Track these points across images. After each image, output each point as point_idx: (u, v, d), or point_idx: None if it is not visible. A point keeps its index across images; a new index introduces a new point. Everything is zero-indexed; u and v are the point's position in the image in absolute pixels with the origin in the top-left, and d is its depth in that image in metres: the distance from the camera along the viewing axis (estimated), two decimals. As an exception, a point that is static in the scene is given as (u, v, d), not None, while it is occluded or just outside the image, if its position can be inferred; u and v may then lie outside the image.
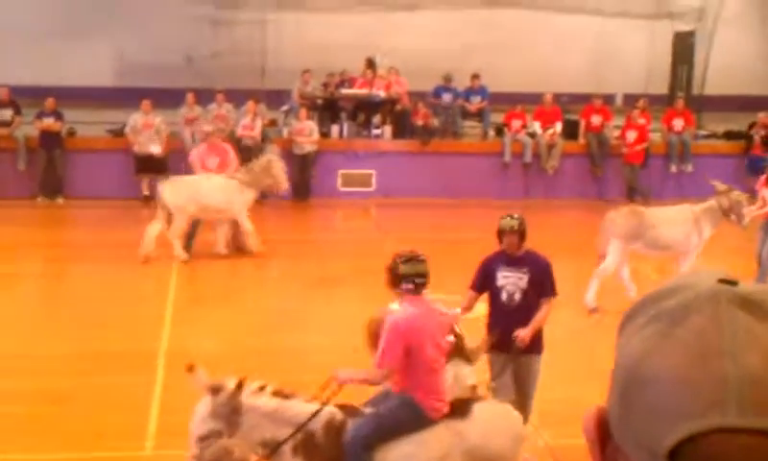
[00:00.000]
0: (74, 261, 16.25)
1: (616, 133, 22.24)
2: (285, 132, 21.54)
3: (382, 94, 22.03)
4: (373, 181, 21.63)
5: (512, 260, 8.05)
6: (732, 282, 1.16)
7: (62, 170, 20.28)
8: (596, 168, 22.10)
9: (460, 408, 6.46)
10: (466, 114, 22.66)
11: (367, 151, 21.64)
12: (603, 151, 22.07)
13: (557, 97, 22.45)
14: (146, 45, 22.69)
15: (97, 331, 11.82)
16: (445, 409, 6.42)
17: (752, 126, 22.37)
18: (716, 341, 1.11)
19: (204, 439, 5.99)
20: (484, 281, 8.20)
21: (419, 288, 6.59)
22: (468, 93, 22.55)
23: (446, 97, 22.41)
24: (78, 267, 15.79)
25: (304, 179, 21.04)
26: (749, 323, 1.12)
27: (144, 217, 19.77)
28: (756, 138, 22.00)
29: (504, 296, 8.04)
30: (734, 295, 1.14)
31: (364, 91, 22.05)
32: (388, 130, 21.94)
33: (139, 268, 15.23)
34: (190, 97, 21.03)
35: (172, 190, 15.66)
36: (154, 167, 20.32)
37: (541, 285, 8.00)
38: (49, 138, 20.06)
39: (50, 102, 20.03)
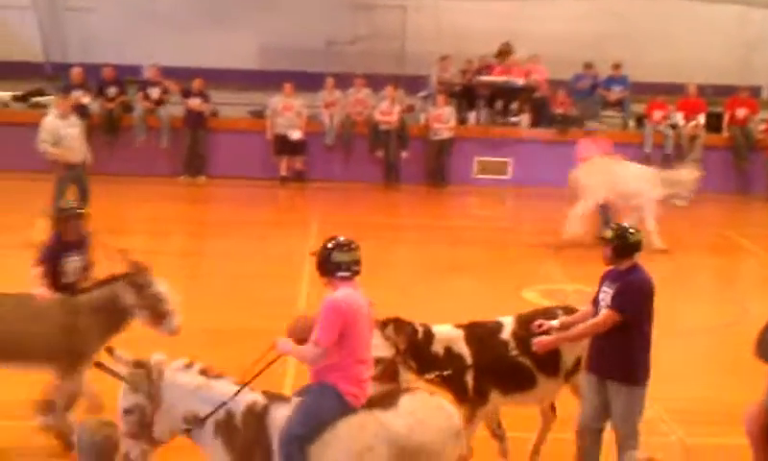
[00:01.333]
0: (214, 238, 16.68)
1: (762, 126, 21.56)
2: (422, 117, 21.59)
3: (521, 82, 21.85)
4: (509, 169, 21.50)
5: (612, 275, 7.22)
6: None
7: (205, 150, 20.79)
8: (741, 162, 21.48)
9: (386, 398, 6.31)
10: (605, 104, 22.29)
11: (503, 138, 21.53)
12: (748, 144, 21.44)
13: (701, 88, 21.88)
14: (288, 30, 23.04)
15: (236, 308, 12.12)
16: (364, 398, 6.26)
17: None
18: None
19: (128, 412, 6.24)
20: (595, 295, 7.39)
21: (353, 276, 6.39)
22: (609, 82, 22.17)
23: (586, 85, 22.08)
24: (218, 244, 16.19)
25: (440, 165, 21.06)
26: None
27: (281, 197, 20.23)
28: None
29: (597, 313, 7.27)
30: None
31: (502, 78, 21.91)
32: (525, 117, 21.76)
33: (279, 246, 15.51)
34: (330, 81, 21.27)
35: (587, 172, 15.79)
36: (292, 149, 20.69)
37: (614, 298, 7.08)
38: (194, 118, 20.58)
39: (197, 82, 20.51)
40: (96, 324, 7.96)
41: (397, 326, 7.45)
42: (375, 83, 21.33)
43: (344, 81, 21.51)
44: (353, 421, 6.16)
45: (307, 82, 21.18)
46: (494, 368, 7.45)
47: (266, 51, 23.45)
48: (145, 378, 6.24)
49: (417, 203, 20.51)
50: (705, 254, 17.12)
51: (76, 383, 8.00)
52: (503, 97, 22.08)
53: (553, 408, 8.01)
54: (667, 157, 21.36)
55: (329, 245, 6.43)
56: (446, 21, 23.32)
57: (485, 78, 22.02)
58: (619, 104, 22.21)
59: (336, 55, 22.97)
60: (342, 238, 6.50)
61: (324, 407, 6.18)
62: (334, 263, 6.35)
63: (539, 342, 7.20)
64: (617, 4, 23.67)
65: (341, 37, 23.45)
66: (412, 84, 22.12)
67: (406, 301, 12.79)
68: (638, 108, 22.09)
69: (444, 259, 15.26)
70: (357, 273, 6.40)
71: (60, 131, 15.03)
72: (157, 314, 8.02)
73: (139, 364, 6.31)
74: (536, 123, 21.77)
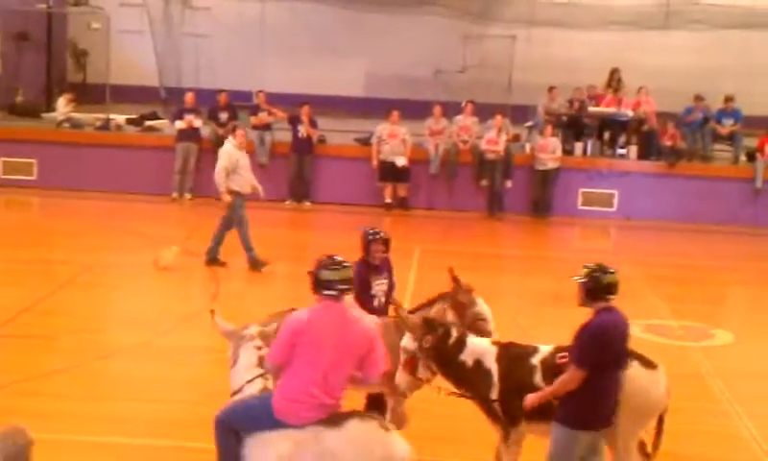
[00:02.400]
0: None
1: None
2: (528, 147, 21.52)
3: (630, 113, 21.64)
4: (615, 201, 21.27)
5: None
6: None
7: (311, 175, 21.06)
8: None
9: (338, 419, 6.20)
10: (716, 137, 21.90)
11: (610, 170, 21.32)
12: None
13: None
14: (396, 58, 23.29)
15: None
16: (310, 418, 6.15)
17: None
18: None
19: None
20: None
21: (341, 295, 6.34)
22: (720, 115, 21.79)
23: (697, 118, 21.72)
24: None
25: (544, 195, 20.95)
26: None
27: (385, 224, 20.33)
28: None
29: None
30: None
31: (611, 109, 21.73)
32: (633, 149, 21.53)
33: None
34: (437, 109, 21.37)
35: None
36: (397, 176, 20.83)
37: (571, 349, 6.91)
38: (301, 144, 20.88)
39: (306, 109, 20.78)
40: None
41: (427, 323, 7.52)
42: (482, 112, 21.35)
43: (451, 109, 21.58)
44: (291, 432, 6.15)
45: (414, 109, 21.34)
46: (518, 391, 7.24)
47: (373, 78, 23.72)
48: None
49: (520, 233, 20.42)
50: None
51: (402, 403, 8.03)
52: (611, 128, 21.89)
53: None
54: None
55: (321, 262, 6.41)
56: (555, 51, 23.30)
57: (594, 109, 21.86)
58: (730, 137, 21.80)
59: (444, 83, 23.10)
60: (336, 257, 6.46)
61: (254, 412, 6.32)
62: (322, 281, 6.33)
63: (527, 399, 6.98)
64: (729, 36, 23.32)
65: (449, 66, 23.55)
66: (518, 113, 22.08)
67: (513, 329, 12.76)
68: (750, 141, 21.64)
69: (548, 290, 15.14)
70: (344, 292, 6.36)
71: (240, 161, 15.41)
72: (478, 333, 8.00)
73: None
74: (643, 155, 21.50)
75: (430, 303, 8.53)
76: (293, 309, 6.75)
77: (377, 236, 9.00)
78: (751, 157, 21.53)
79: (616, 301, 6.89)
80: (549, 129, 20.97)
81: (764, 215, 20.78)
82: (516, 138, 21.86)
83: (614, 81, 22.04)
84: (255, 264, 15.33)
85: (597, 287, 6.79)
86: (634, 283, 15.27)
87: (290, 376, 6.23)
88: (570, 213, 21.04)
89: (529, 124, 22.16)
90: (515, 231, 20.46)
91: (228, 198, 15.25)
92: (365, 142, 21.41)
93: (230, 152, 15.44)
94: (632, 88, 21.94)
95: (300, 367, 6.19)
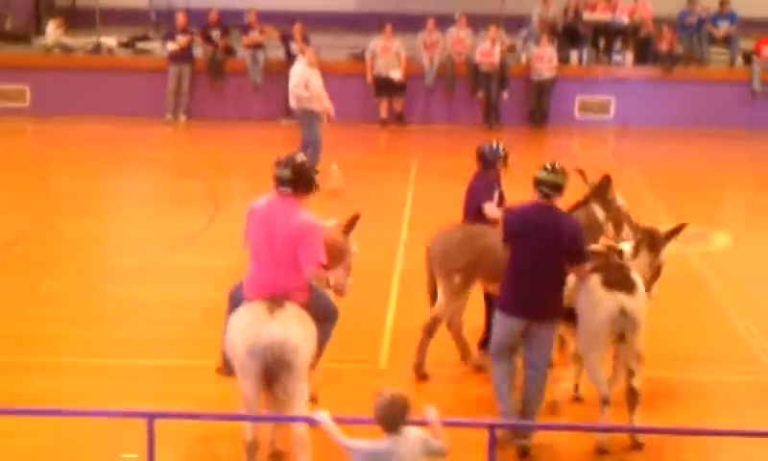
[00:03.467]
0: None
1: None
2: (523, 57, 21.33)
3: (625, 19, 21.42)
4: (612, 108, 21.16)
5: None
6: None
7: (305, 93, 20.88)
8: None
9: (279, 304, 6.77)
10: (712, 40, 21.70)
11: (606, 77, 21.17)
12: None
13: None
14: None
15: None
16: (257, 294, 6.85)
17: None
18: None
19: None
20: None
21: (284, 190, 6.94)
22: (716, 18, 21.57)
23: (692, 22, 21.50)
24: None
25: (541, 105, 20.83)
26: None
27: (381, 139, 20.27)
28: None
29: None
30: None
31: (606, 16, 21.51)
32: (629, 56, 21.33)
33: (379, 187, 15.60)
34: (430, 22, 21.12)
35: None
36: (392, 90, 20.69)
37: None
38: (294, 62, 20.64)
39: (297, 26, 20.54)
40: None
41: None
42: (476, 23, 21.13)
43: (444, 22, 21.35)
44: (251, 306, 6.82)
45: (407, 23, 21.08)
46: None
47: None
48: None
49: (518, 143, 20.26)
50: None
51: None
52: (606, 35, 21.69)
53: None
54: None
55: (275, 160, 7.10)
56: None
57: (589, 16, 21.62)
58: (727, 40, 21.60)
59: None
60: (285, 155, 7.13)
61: (237, 290, 7.17)
62: (273, 177, 7.03)
63: None
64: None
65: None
66: (513, 23, 21.84)
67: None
68: (747, 44, 21.45)
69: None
70: (284, 187, 6.93)
71: (312, 79, 15.28)
72: (618, 226, 8.83)
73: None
74: (639, 61, 21.33)
75: (580, 204, 8.93)
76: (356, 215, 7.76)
77: (503, 153, 9.22)
78: (747, 59, 21.35)
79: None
80: (544, 38, 20.74)
81: (761, 117, 20.67)
82: (512, 49, 21.64)
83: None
84: None
85: (535, 180, 7.50)
86: (633, 189, 15.27)
87: (251, 256, 7.05)
88: (567, 122, 20.92)
89: (524, 34, 21.92)
90: (512, 142, 20.12)
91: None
92: (358, 57, 21.22)
93: (301, 71, 15.29)
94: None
95: (252, 248, 7.01)
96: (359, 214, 7.82)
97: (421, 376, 8.57)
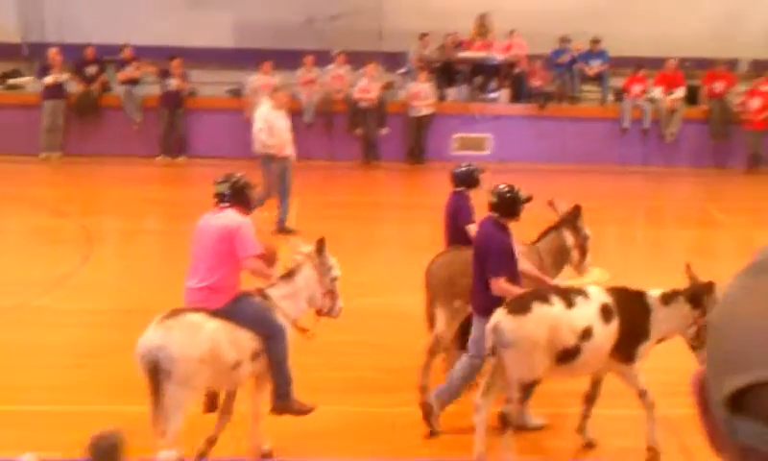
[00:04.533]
0: (192, 219, 16.61)
1: (739, 99, 21.63)
2: (401, 94, 21.56)
3: (500, 57, 21.85)
4: (489, 144, 21.52)
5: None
6: None
7: (183, 129, 20.73)
8: (717, 136, 21.55)
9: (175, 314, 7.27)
10: (585, 78, 22.31)
11: (483, 114, 21.53)
12: (725, 118, 21.50)
13: (680, 62, 21.93)
14: (266, 7, 22.95)
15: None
16: (188, 301, 7.46)
17: None
18: None
19: None
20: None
21: (219, 203, 7.75)
22: (588, 57, 22.19)
23: (565, 60, 22.07)
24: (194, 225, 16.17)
25: (419, 142, 21.06)
26: None
27: (260, 176, 20.14)
28: None
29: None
30: None
31: (481, 54, 21.91)
32: (505, 93, 21.77)
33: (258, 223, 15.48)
34: (309, 59, 21.20)
35: None
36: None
37: None
38: (172, 98, 20.51)
39: (176, 62, 20.40)
40: (552, 264, 9.36)
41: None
42: (355, 60, 21.28)
43: (323, 58, 21.44)
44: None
45: (286, 60, 21.09)
46: None
47: (243, 29, 23.33)
48: None
49: (397, 180, 20.52)
50: (682, 228, 17.23)
51: None
52: (483, 73, 22.08)
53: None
54: (645, 131, 21.47)
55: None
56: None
57: (465, 54, 22.00)
58: (598, 78, 22.23)
59: (315, 32, 22.88)
60: (225, 175, 7.89)
61: None
62: (214, 195, 7.79)
63: None
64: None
65: (320, 14, 23.35)
66: (391, 60, 22.07)
67: (390, 277, 12.87)
68: (619, 82, 22.10)
69: (426, 236, 15.26)
70: (219, 200, 7.74)
71: (275, 122, 14.86)
72: (584, 254, 9.49)
73: None
74: (515, 98, 21.78)
75: (552, 229, 9.59)
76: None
77: (477, 173, 9.74)
78: (618, 97, 22.01)
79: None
80: (422, 75, 21.03)
81: (630, 154, 21.29)
82: (390, 86, 21.87)
83: (482, 27, 22.18)
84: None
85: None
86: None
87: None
88: (445, 158, 21.12)
89: (402, 71, 22.18)
90: (391, 179, 20.55)
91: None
92: (237, 94, 21.14)
93: (266, 114, 14.90)
94: (503, 31, 22.11)
95: (191, 256, 7.69)
96: (324, 238, 8.19)
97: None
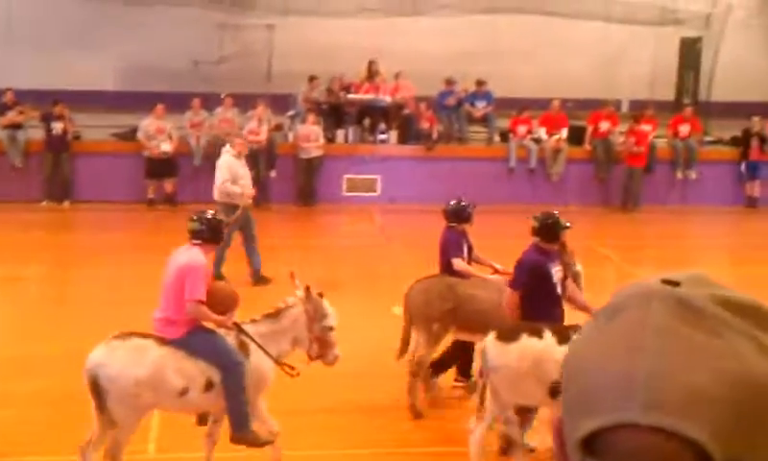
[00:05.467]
0: (78, 265, 16.27)
1: (621, 138, 22.21)
2: (291, 136, 21.54)
3: (388, 99, 22.03)
4: (378, 186, 21.63)
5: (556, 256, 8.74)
6: (675, 283, 1.13)
7: (69, 173, 20.31)
8: (601, 174, 22.07)
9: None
10: (471, 119, 22.63)
11: (372, 155, 21.64)
12: (609, 157, 22.04)
13: (564, 103, 22.43)
14: (152, 50, 22.76)
15: (100, 333, 11.81)
16: (157, 330, 7.70)
17: (747, 131, 22.26)
18: (639, 338, 1.09)
19: None
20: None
21: (192, 240, 7.98)
22: (473, 98, 22.53)
23: (451, 101, 22.35)
24: (82, 270, 15.82)
25: (310, 184, 21.05)
26: (675, 323, 1.09)
27: (149, 220, 19.88)
28: (754, 143, 21.98)
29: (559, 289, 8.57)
30: (669, 295, 1.12)
31: (369, 96, 22.06)
32: (393, 134, 21.94)
33: (141, 270, 15.21)
34: (196, 102, 21.04)
35: None
36: (163, 171, 20.38)
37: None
38: (56, 142, 20.09)
39: (59, 106, 20.02)
40: None
41: None
42: (243, 102, 21.19)
43: (211, 101, 21.30)
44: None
45: (173, 102, 20.90)
46: None
47: (128, 71, 23.10)
48: None
49: (288, 222, 20.42)
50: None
51: None
52: (371, 115, 22.22)
53: None
54: (532, 171, 21.86)
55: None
56: (313, 39, 23.39)
57: (353, 96, 22.12)
58: (484, 119, 22.58)
59: (202, 75, 22.76)
60: (198, 213, 8.19)
61: None
62: (187, 231, 8.05)
63: None
64: (481, 20, 24.11)
65: (207, 57, 23.24)
66: (280, 102, 22.05)
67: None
68: (504, 123, 22.48)
69: (320, 278, 15.20)
70: (192, 237, 7.97)
71: (239, 170, 14.40)
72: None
73: None
74: (403, 140, 21.96)
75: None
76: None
77: (470, 209, 10.22)
78: (504, 137, 22.39)
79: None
80: (311, 117, 21.05)
81: (517, 193, 21.62)
82: (279, 128, 21.83)
83: (371, 71, 22.36)
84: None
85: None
86: (400, 265, 15.60)
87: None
88: (335, 200, 21.22)
89: (291, 113, 22.17)
90: (282, 221, 20.42)
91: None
92: (124, 137, 20.82)
93: (229, 163, 14.39)
94: (390, 73, 22.31)
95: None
96: (309, 286, 8.21)
97: (416, 414, 9.32)
